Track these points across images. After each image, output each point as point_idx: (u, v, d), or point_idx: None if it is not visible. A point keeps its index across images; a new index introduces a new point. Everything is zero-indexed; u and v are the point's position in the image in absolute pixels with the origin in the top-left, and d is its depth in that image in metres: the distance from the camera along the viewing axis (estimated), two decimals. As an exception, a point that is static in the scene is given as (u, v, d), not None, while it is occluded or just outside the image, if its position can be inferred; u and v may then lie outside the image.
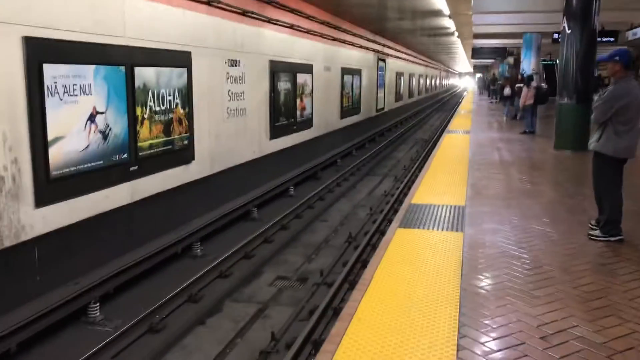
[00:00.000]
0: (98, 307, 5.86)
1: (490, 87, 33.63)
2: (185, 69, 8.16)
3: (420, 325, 3.32)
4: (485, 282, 4.10)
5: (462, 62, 52.76)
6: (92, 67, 6.12)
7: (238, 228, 9.18)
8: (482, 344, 3.17)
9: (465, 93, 56.51)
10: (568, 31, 10.35)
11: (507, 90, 19.17)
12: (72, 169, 5.93)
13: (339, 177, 13.64)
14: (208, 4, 8.70)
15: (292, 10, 12.26)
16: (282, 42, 12.14)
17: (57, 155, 5.69)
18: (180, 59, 8.02)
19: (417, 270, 4.25)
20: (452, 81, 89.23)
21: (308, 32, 13.62)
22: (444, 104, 50.42)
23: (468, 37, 22.51)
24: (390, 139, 22.09)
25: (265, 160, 11.48)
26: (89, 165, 6.19)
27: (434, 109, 42.98)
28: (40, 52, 5.40)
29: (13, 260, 5.30)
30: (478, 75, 62.55)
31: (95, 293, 5.90)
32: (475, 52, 28.47)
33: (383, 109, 25.40)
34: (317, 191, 11.76)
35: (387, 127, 25.52)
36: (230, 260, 7.56)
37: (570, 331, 3.33)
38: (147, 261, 6.86)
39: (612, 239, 5.09)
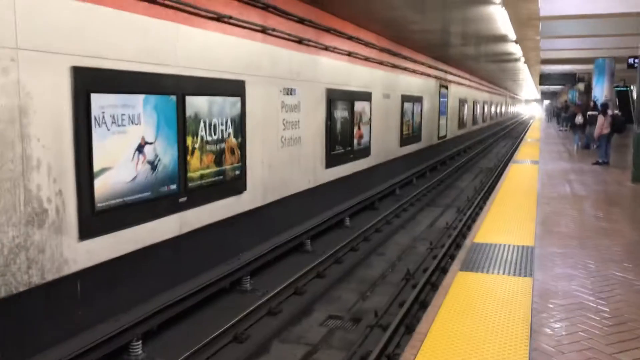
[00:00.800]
0: (140, 344, 5.63)
1: (561, 114, 32.28)
2: (239, 97, 8.00)
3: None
4: (558, 342, 3.55)
5: (529, 88, 51.22)
6: (142, 96, 6.00)
7: (290, 261, 8.87)
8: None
9: (531, 121, 54.67)
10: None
11: (579, 118, 18.19)
12: (119, 200, 5.79)
13: (398, 208, 13.16)
14: (263, 32, 8.56)
15: (350, 38, 12.03)
16: (339, 70, 11.91)
17: (103, 186, 5.55)
18: (233, 88, 7.87)
19: (479, 324, 3.76)
20: (519, 108, 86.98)
21: (366, 59, 13.35)
22: (510, 132, 48.99)
23: (535, 63, 21.67)
24: (453, 167, 21.40)
25: (320, 189, 11.17)
26: (137, 197, 6.03)
27: (500, 137, 41.76)
28: (88, 81, 5.31)
29: (55, 294, 5.15)
30: (546, 102, 60.54)
31: (138, 330, 5.68)
32: (543, 78, 27.39)
33: (445, 136, 24.76)
34: (374, 222, 11.33)
35: (449, 155, 24.83)
36: (280, 296, 7.22)
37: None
38: (194, 297, 6.62)
39: None
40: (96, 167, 5.44)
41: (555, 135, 25.75)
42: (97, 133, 5.42)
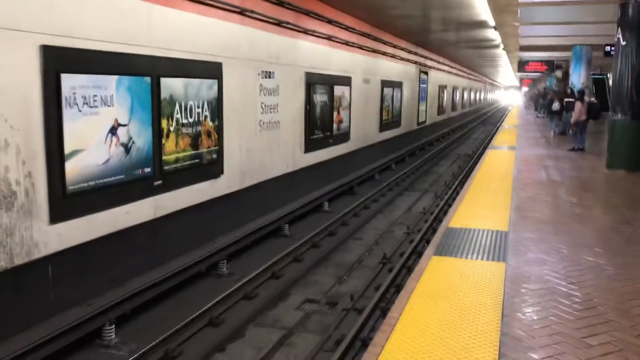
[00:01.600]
0: (114, 329, 5.57)
1: (539, 100, 32.54)
2: (216, 80, 7.89)
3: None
4: (529, 326, 3.58)
5: (509, 75, 51.53)
6: (115, 77, 5.88)
7: (268, 245, 8.84)
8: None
9: (510, 108, 55.11)
10: (623, 43, 9.68)
11: (555, 105, 18.35)
12: (91, 183, 5.69)
13: (376, 193, 13.18)
14: (241, 13, 8.43)
15: (330, 21, 11.93)
16: (319, 54, 11.82)
17: (75, 169, 5.45)
18: (210, 70, 7.75)
19: (451, 307, 3.78)
20: (498, 94, 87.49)
21: (347, 43, 13.27)
22: (489, 117, 49.35)
23: (514, 50, 21.76)
24: (432, 153, 21.50)
25: (299, 174, 11.13)
26: (110, 179, 5.93)
27: (479, 123, 42.06)
28: (58, 61, 5.18)
29: (25, 279, 5.06)
30: (525, 89, 60.94)
31: (111, 314, 5.62)
32: (522, 65, 27.53)
33: (425, 122, 24.84)
34: (352, 207, 11.34)
35: (428, 140, 24.95)
36: (256, 281, 7.20)
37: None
38: (169, 281, 6.56)
39: None
40: (67, 149, 5.33)
41: (533, 121, 25.98)
42: (67, 114, 5.30)
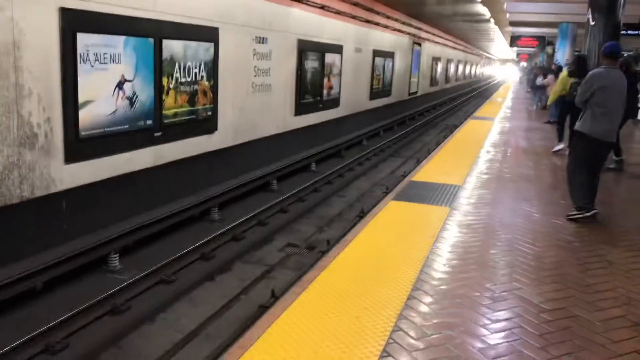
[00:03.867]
0: (117, 257, 6.43)
1: (530, 76, 33.20)
2: (212, 43, 8.63)
3: (383, 279, 3.75)
4: (455, 246, 4.47)
5: (505, 49, 51.87)
6: (123, 37, 6.64)
7: (257, 198, 9.63)
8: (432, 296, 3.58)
9: (505, 83, 55.61)
10: (592, 23, 10.38)
11: (539, 80, 19.06)
12: (100, 130, 6.50)
13: (362, 157, 13.97)
14: (238, -18, 9.12)
15: (323, -9, 12.57)
16: (311, 22, 12.48)
17: (87, 117, 6.26)
18: (207, 34, 8.49)
19: (397, 234, 4.66)
20: (495, 68, 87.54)
21: (339, 12, 13.90)
22: (483, 92, 49.78)
23: (505, 25, 22.33)
24: (421, 122, 22.20)
25: (289, 135, 11.92)
26: (116, 128, 6.74)
27: (472, 96, 42.52)
28: (75, 21, 5.94)
29: (43, 209, 5.91)
30: (523, 63, 61.27)
31: (116, 245, 6.47)
32: (514, 40, 28.11)
33: (416, 92, 25.46)
34: (337, 168, 12.14)
35: (419, 111, 25.56)
36: (244, 225, 8.02)
37: (514, 292, 3.72)
38: (166, 220, 7.40)
39: (588, 213, 5.43)
40: (81, 99, 6.13)
41: (522, 96, 26.71)
42: (82, 69, 6.08)
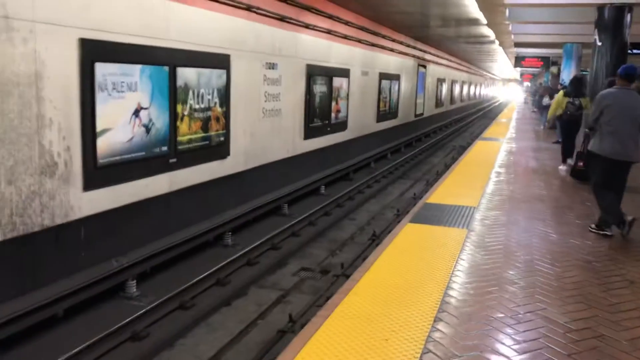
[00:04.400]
0: (135, 284, 6.47)
1: (535, 96, 33.37)
2: (225, 70, 8.76)
3: (408, 302, 3.77)
4: (476, 272, 4.49)
5: (509, 70, 52.22)
6: (139, 66, 6.77)
7: (268, 222, 9.69)
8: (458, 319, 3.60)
9: (510, 103, 55.88)
10: (599, 43, 10.51)
11: (546, 100, 19.17)
12: (117, 158, 6.58)
13: (371, 179, 14.04)
14: (248, 9, 9.29)
15: (330, 16, 12.76)
16: (319, 47, 12.66)
17: (105, 145, 6.35)
18: (220, 61, 8.63)
19: (415, 257, 4.69)
20: (498, 89, 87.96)
21: (345, 37, 14.10)
22: (487, 112, 50.04)
23: (510, 46, 22.54)
24: (428, 144, 22.31)
25: (298, 159, 12.01)
26: (133, 155, 6.83)
27: (477, 117, 42.76)
28: (93, 52, 6.07)
29: (62, 236, 5.97)
30: (527, 84, 61.62)
31: (133, 271, 6.52)
32: (519, 61, 28.34)
33: (422, 114, 25.62)
34: (347, 191, 12.20)
35: (425, 132, 25.71)
36: (258, 250, 8.07)
37: (539, 312, 3.73)
38: (181, 246, 7.45)
39: (601, 232, 5.57)
40: (99, 127, 6.23)
41: (528, 116, 26.82)
42: (100, 97, 6.19)
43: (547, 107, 19.06)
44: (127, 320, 5.53)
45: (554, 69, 28.77)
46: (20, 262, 5.50)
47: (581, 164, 8.45)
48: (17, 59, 5.25)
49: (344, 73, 14.42)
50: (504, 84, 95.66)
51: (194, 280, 6.63)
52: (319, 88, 12.86)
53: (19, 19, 5.23)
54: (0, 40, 5.08)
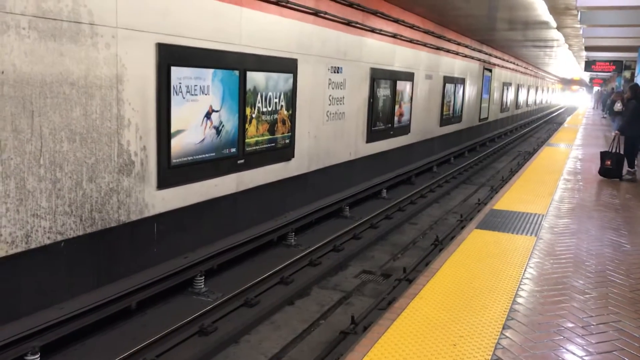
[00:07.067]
0: (203, 280, 6.69)
1: (607, 101, 32.12)
2: (292, 74, 8.92)
3: (475, 308, 3.76)
4: (546, 279, 4.41)
5: (577, 74, 50.43)
6: (211, 70, 7.00)
7: (330, 223, 9.79)
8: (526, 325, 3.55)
9: (578, 108, 53.95)
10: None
11: (617, 105, 18.45)
12: (189, 158, 6.83)
13: (433, 184, 13.92)
14: (315, 14, 9.43)
15: (396, 20, 12.75)
16: (383, 51, 12.67)
17: (178, 145, 6.60)
18: (287, 65, 8.80)
19: (484, 264, 4.65)
20: (566, 94, 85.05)
21: (410, 41, 14.04)
22: (554, 117, 48.56)
23: (579, 50, 21.81)
24: (492, 149, 21.88)
25: (360, 162, 12.06)
26: (203, 156, 7.07)
27: (544, 122, 41.57)
28: (169, 56, 6.33)
29: (137, 232, 6.25)
30: (596, 88, 59.35)
31: (202, 267, 6.74)
32: (589, 65, 27.34)
33: (487, 118, 25.16)
34: (409, 195, 12.15)
35: (490, 137, 25.22)
36: (320, 251, 8.18)
37: (612, 324, 3.63)
38: (247, 245, 7.64)
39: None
40: (173, 128, 6.49)
41: (598, 122, 25.87)
42: (174, 100, 6.45)
43: (620, 112, 18.36)
44: (196, 315, 5.73)
45: (627, 73, 27.63)
46: (98, 256, 5.80)
47: (608, 162, 8.99)
48: (100, 63, 5.56)
49: (408, 77, 14.36)
50: (571, 89, 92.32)
51: (259, 279, 6.79)
52: (382, 92, 12.87)
53: (103, 25, 5.54)
54: (86, 45, 5.39)
